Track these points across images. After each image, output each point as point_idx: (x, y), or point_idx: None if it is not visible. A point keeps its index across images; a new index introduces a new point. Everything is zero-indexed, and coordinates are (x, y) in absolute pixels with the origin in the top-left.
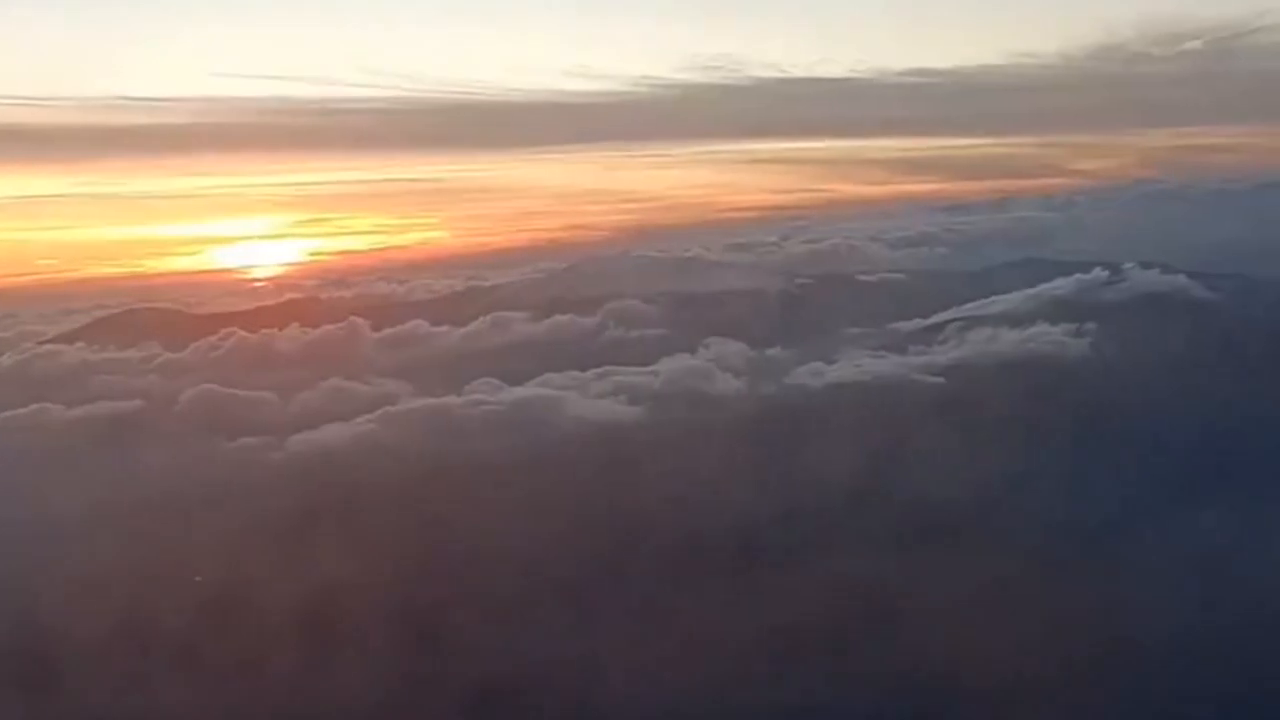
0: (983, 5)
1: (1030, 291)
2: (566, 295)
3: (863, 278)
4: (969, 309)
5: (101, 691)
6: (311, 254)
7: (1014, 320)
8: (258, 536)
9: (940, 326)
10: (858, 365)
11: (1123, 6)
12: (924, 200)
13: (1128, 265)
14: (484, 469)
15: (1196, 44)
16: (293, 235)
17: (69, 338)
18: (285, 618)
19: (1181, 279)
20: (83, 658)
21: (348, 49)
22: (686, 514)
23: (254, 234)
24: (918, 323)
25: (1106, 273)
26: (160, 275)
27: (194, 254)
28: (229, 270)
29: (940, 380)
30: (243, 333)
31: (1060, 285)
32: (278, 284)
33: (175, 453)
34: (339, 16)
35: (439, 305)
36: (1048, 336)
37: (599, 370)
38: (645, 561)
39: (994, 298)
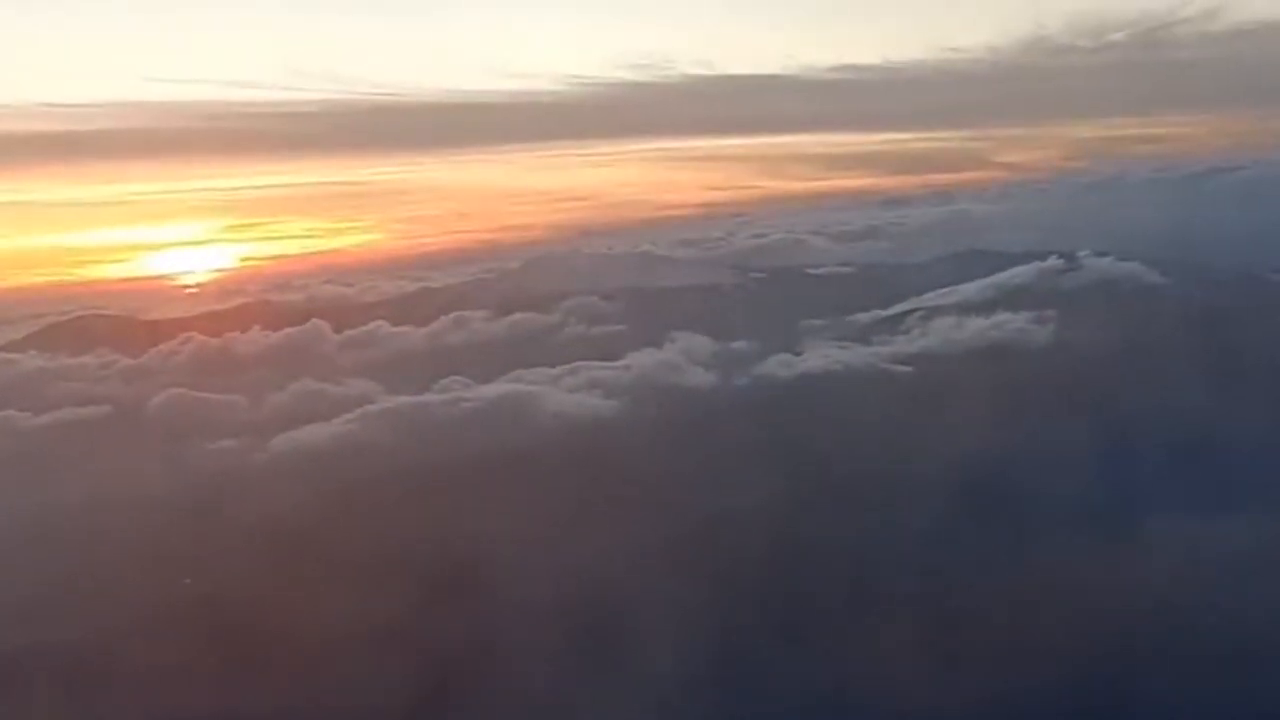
0: (910, 2)
1: (987, 281)
2: (522, 293)
3: (812, 271)
4: (927, 299)
5: (96, 694)
6: (243, 259)
7: (973, 309)
8: (253, 535)
9: (901, 317)
10: (825, 355)
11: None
12: (856, 195)
13: (1082, 253)
14: (471, 464)
15: (1121, 36)
16: (224, 240)
17: (18, 346)
18: (291, 615)
19: (1135, 266)
20: (85, 660)
21: (274, 53)
22: (682, 503)
23: (184, 240)
24: (876, 314)
25: (1062, 261)
26: (91, 283)
27: (124, 261)
28: (162, 276)
29: (909, 369)
30: (201, 337)
31: (1017, 274)
32: (215, 289)
33: (155, 456)
34: (263, 20)
35: (396, 306)
36: (1011, 324)
37: (568, 366)
38: (646, 551)
39: (951, 288)
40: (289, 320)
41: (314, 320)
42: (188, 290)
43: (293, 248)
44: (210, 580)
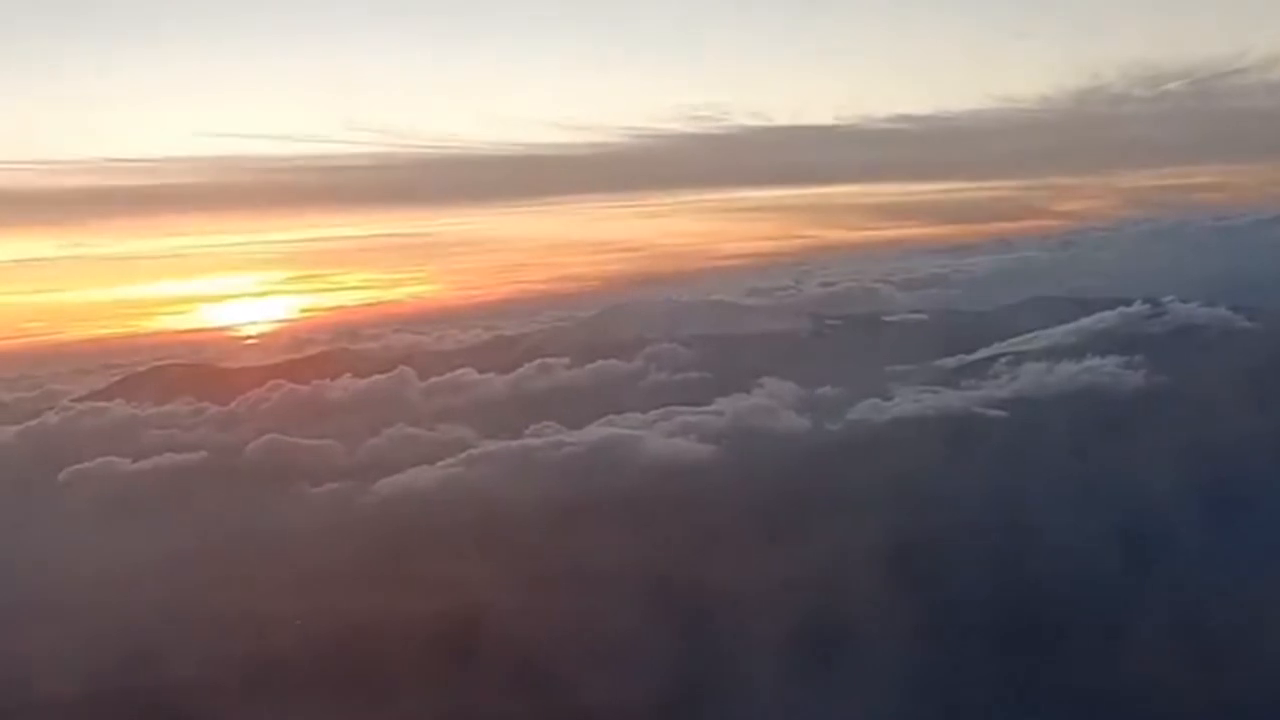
0: (965, 51)
1: (1070, 326)
2: (601, 341)
3: (887, 318)
4: (1011, 345)
5: None
6: (303, 310)
7: (1061, 354)
8: (364, 577)
9: (987, 362)
10: (916, 400)
11: (1105, 49)
12: (914, 244)
13: (1166, 298)
14: (578, 507)
15: (1178, 85)
16: (283, 292)
17: (105, 395)
18: (413, 656)
19: (1222, 310)
20: (202, 701)
21: (333, 106)
22: (794, 545)
23: (244, 291)
24: (960, 359)
25: (1148, 306)
26: (155, 334)
27: (186, 313)
28: (225, 328)
29: (1003, 413)
30: (290, 384)
31: (1102, 319)
32: (282, 339)
33: (259, 500)
34: (323, 74)
35: (476, 353)
36: (1102, 368)
37: (660, 411)
38: (766, 592)
39: (1033, 334)
40: (372, 368)
41: (401, 367)
42: (249, 341)
43: (351, 299)
44: (324, 622)
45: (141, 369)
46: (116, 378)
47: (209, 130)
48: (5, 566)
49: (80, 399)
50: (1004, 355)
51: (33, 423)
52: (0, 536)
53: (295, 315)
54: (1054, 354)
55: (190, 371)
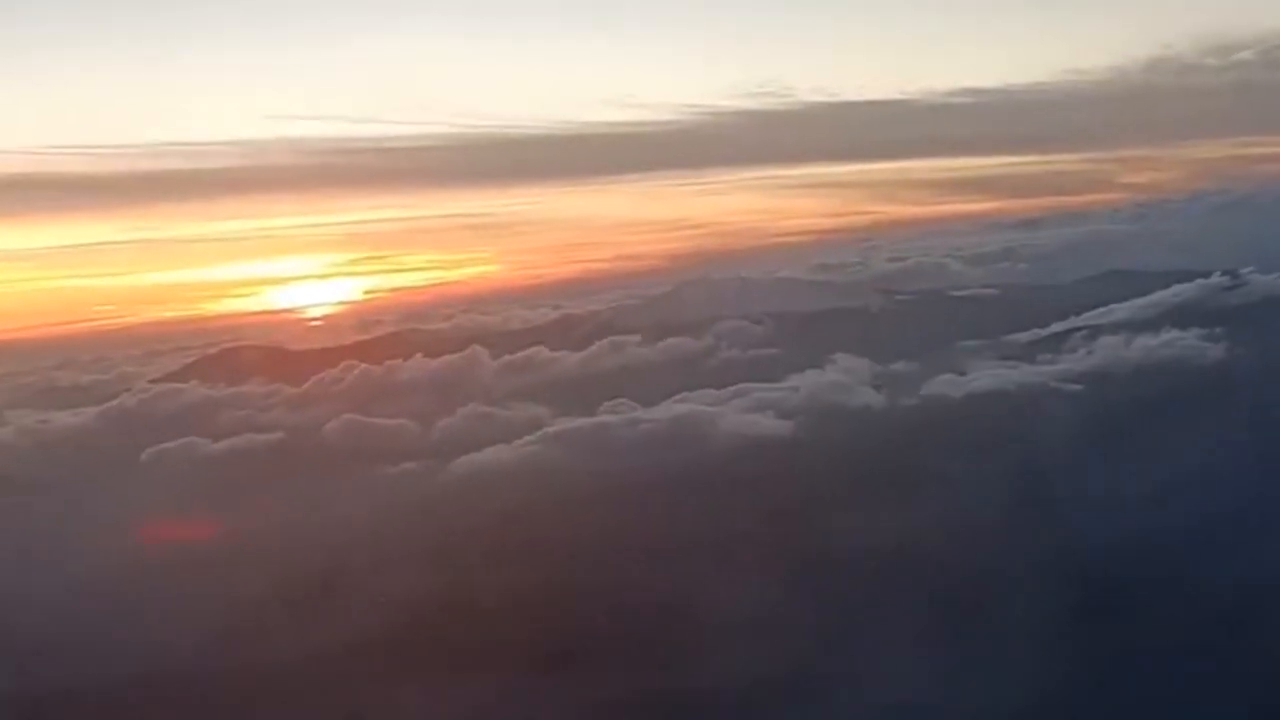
0: (1032, 23)
1: (1148, 299)
2: (671, 318)
3: (956, 293)
4: (1087, 319)
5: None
6: (368, 291)
7: (1139, 327)
8: (446, 554)
9: (1063, 336)
10: (992, 375)
11: (1174, 19)
12: (980, 219)
13: (1246, 270)
14: (660, 483)
15: (1249, 54)
16: (347, 274)
17: (179, 376)
18: (498, 633)
19: None
20: (288, 680)
21: (392, 88)
22: (884, 518)
23: (309, 273)
24: (1035, 333)
25: (1226, 277)
26: (222, 317)
27: (252, 295)
28: (291, 309)
29: (1080, 388)
30: (363, 365)
31: (1180, 291)
32: (348, 320)
33: (340, 479)
34: (383, 56)
35: (545, 332)
36: (1181, 341)
37: (734, 388)
38: (844, 565)
39: (1109, 307)
40: (443, 348)
41: (473, 346)
42: (314, 323)
43: (415, 280)
44: (409, 598)
45: (213, 351)
46: (189, 360)
47: (273, 113)
48: (98, 544)
49: (155, 381)
50: (1079, 329)
51: (111, 404)
52: (89, 516)
53: (359, 297)
54: (1131, 327)
55: (262, 353)
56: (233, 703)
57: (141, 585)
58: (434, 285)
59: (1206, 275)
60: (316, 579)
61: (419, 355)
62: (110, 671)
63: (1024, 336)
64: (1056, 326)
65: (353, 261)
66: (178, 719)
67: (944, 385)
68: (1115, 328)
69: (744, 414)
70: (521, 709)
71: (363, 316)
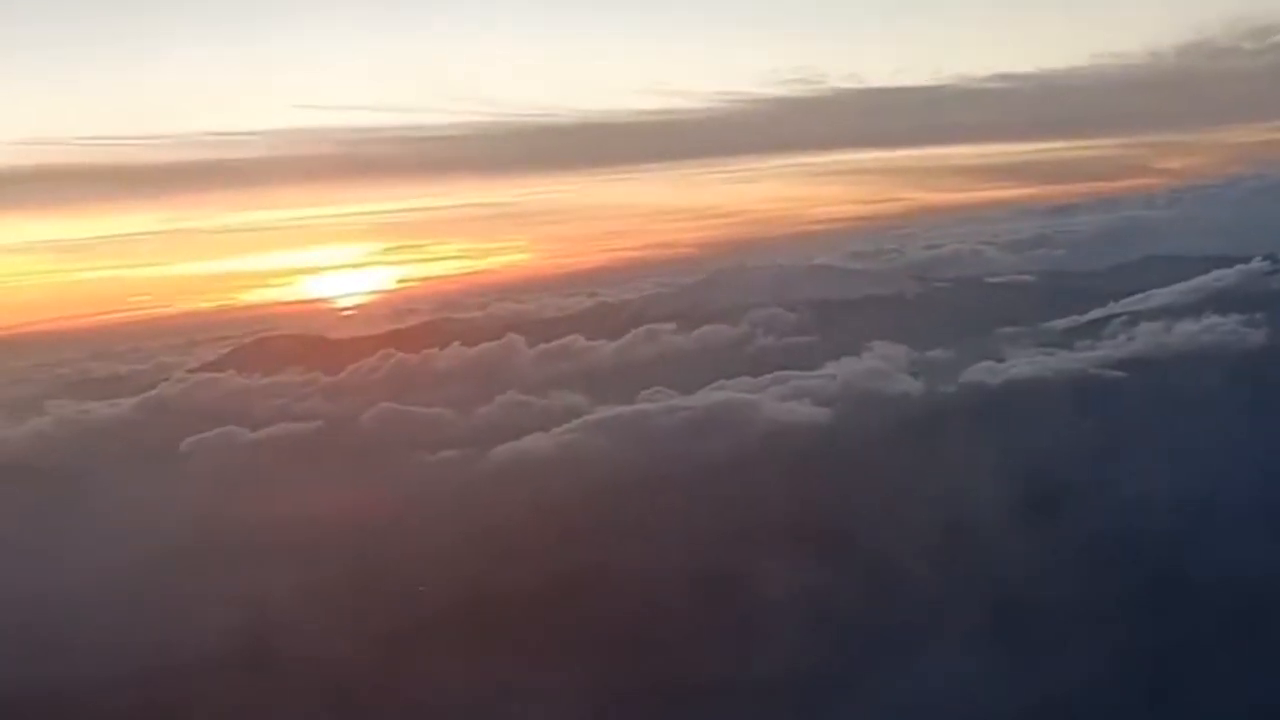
0: (1065, 7)
1: (1187, 285)
2: (705, 306)
3: (992, 280)
4: (1125, 305)
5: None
6: (400, 280)
7: (1176, 314)
8: (488, 541)
9: (1102, 323)
10: (1031, 362)
11: (1210, 3)
12: (1015, 205)
13: None
14: (700, 471)
15: None
16: (379, 263)
17: (216, 366)
18: (544, 620)
19: None
20: (334, 669)
21: (427, 77)
22: (917, 509)
23: (342, 263)
24: (1073, 320)
25: (1268, 262)
26: (254, 307)
27: (284, 285)
28: (323, 299)
29: (1121, 374)
30: (400, 353)
31: (1221, 277)
32: (382, 310)
33: (379, 467)
34: (414, 45)
35: (580, 320)
36: (1222, 327)
37: (772, 375)
38: (886, 552)
39: (1147, 293)
40: (479, 336)
41: (510, 335)
42: (347, 312)
43: (447, 269)
44: (451, 587)
45: (248, 341)
46: (225, 350)
47: (305, 103)
48: (139, 533)
49: (193, 370)
50: (1119, 315)
51: (150, 394)
52: (130, 505)
53: (392, 286)
54: (1171, 313)
55: (298, 342)
56: (274, 691)
57: (181, 574)
58: (466, 274)
59: (1246, 260)
60: (359, 566)
61: (455, 344)
62: (150, 661)
63: (1062, 323)
64: (1095, 313)
65: (385, 251)
66: (216, 708)
67: (982, 372)
68: (1155, 314)
69: (782, 401)
70: (560, 695)
71: (396, 306)
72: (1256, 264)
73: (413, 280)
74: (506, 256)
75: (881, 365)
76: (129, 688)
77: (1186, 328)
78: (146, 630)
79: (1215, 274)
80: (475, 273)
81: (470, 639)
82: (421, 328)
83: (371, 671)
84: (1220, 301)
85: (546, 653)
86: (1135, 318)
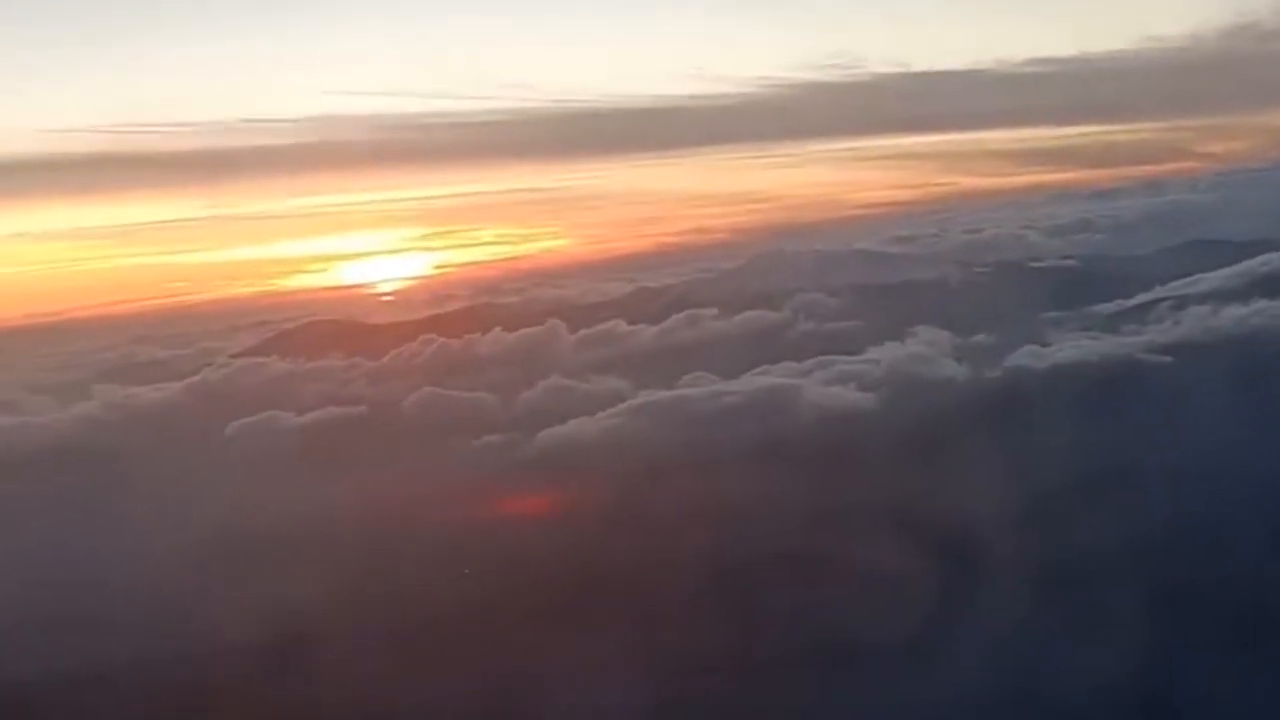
0: None
1: (1234, 269)
2: (747, 291)
3: (1035, 264)
4: (1172, 289)
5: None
6: (438, 266)
7: (1223, 298)
8: (534, 525)
9: (1148, 307)
10: (1077, 346)
11: None
12: (1056, 189)
13: None
14: (745, 455)
15: None
16: (418, 249)
17: (259, 351)
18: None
19: None
20: (383, 654)
21: (461, 63)
22: (964, 493)
23: (379, 249)
24: (1119, 304)
25: None
26: (293, 292)
27: (321, 271)
28: (362, 284)
29: (1168, 359)
30: (441, 339)
31: (1269, 260)
32: (420, 295)
33: (424, 451)
34: (450, 31)
35: (622, 306)
36: (1272, 311)
37: (815, 360)
38: (934, 536)
39: (1193, 277)
40: (519, 322)
41: (551, 320)
42: (387, 297)
43: (486, 254)
44: (498, 571)
45: (290, 326)
46: (268, 334)
47: (342, 89)
48: (187, 516)
49: (236, 355)
50: (1165, 300)
51: (195, 379)
52: (177, 488)
53: (431, 271)
54: (1218, 297)
55: (339, 327)
56: (318, 674)
57: (227, 558)
58: (505, 260)
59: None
60: (404, 550)
61: (496, 329)
62: (194, 645)
63: (1107, 307)
64: (1141, 297)
65: (423, 236)
66: (260, 691)
67: (1027, 357)
68: (1202, 298)
69: (826, 386)
70: (606, 675)
71: (435, 291)
72: None
73: (451, 266)
74: (545, 242)
75: (925, 350)
76: (174, 669)
77: (1235, 311)
78: (190, 613)
79: (1262, 258)
80: (514, 258)
81: (523, 621)
82: (462, 313)
83: (419, 653)
84: (1268, 285)
85: (595, 630)
86: (1182, 302)
